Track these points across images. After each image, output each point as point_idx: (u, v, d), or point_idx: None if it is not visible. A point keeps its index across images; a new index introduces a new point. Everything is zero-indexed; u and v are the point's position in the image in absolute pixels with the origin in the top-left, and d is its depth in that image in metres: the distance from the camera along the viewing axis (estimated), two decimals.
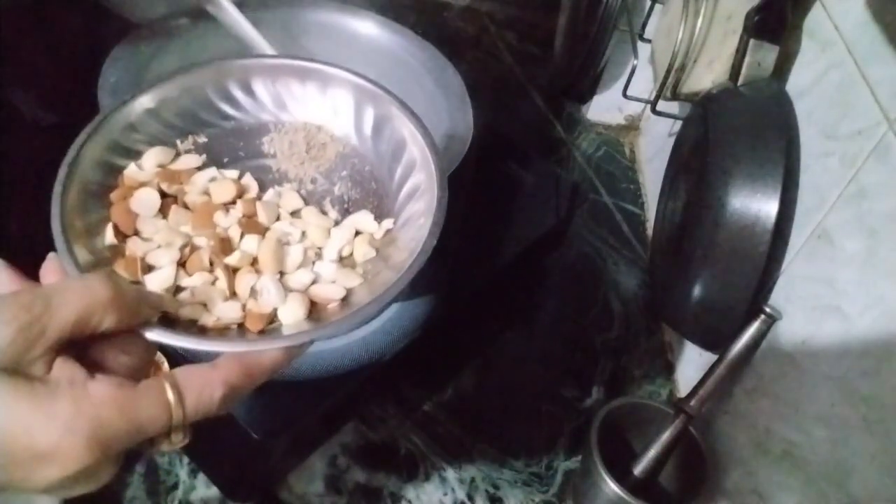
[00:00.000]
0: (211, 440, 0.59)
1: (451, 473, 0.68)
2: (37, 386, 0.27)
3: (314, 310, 0.36)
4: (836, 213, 0.55)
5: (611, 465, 0.60)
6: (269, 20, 0.65)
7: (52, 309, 0.27)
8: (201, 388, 0.30)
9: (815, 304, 0.55)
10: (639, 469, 0.63)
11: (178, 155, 0.42)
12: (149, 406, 0.29)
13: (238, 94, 0.44)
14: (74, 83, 0.60)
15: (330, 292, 0.37)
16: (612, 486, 0.59)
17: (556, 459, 0.71)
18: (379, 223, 0.41)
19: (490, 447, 0.70)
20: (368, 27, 0.68)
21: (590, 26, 0.88)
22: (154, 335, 0.31)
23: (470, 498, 0.66)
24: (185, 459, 0.63)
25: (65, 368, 0.28)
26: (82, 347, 0.29)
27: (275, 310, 0.35)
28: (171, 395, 0.29)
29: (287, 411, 0.55)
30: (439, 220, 0.38)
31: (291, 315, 0.35)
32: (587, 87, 1.06)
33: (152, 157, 0.40)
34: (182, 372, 0.30)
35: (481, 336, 0.80)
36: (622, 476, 0.61)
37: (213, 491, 0.62)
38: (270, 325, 0.35)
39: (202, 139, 0.43)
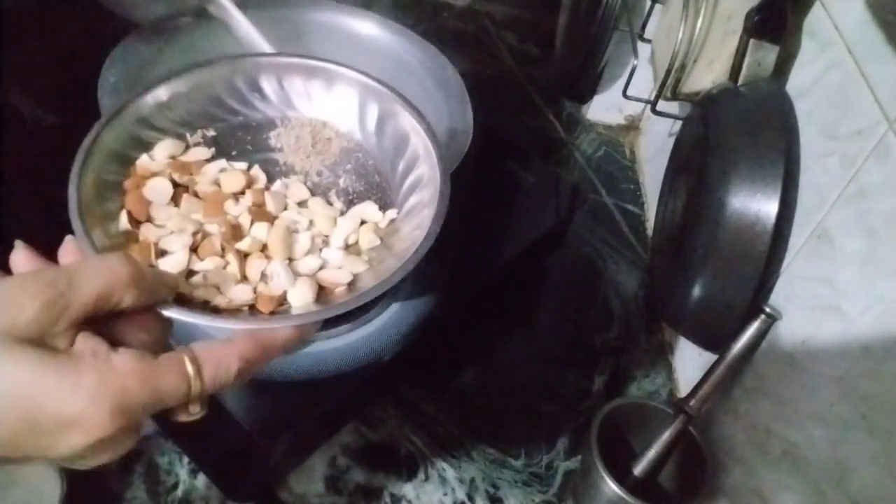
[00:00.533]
0: (211, 441, 0.60)
1: (451, 473, 0.68)
2: (62, 357, 0.28)
3: (322, 294, 0.37)
4: (836, 213, 0.55)
5: (611, 465, 0.60)
6: (270, 20, 0.65)
7: (76, 285, 0.28)
8: (218, 362, 0.31)
9: (815, 303, 0.55)
10: (639, 469, 0.63)
11: (187, 147, 0.43)
12: (169, 377, 0.30)
13: (246, 90, 0.45)
14: (74, 83, 0.60)
15: (337, 276, 0.38)
16: (612, 486, 0.59)
17: (556, 459, 0.71)
18: (383, 213, 0.42)
19: (490, 447, 0.70)
20: (368, 27, 0.68)
21: (590, 26, 0.88)
22: (171, 312, 0.32)
23: (470, 498, 0.67)
24: (185, 459, 0.63)
25: (87, 342, 0.29)
26: (102, 324, 0.30)
27: (284, 293, 0.36)
28: (190, 368, 0.30)
29: (287, 411, 0.55)
30: (441, 212, 0.39)
31: (300, 298, 0.36)
32: (587, 87, 1.06)
33: (163, 149, 0.41)
34: (200, 346, 0.31)
35: (481, 336, 0.80)
36: (622, 476, 0.61)
37: (213, 491, 0.62)
38: (280, 307, 0.36)
39: (211, 133, 0.44)
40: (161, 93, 0.42)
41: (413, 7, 1.15)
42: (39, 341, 0.28)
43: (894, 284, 0.47)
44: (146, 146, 0.41)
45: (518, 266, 0.75)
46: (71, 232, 0.34)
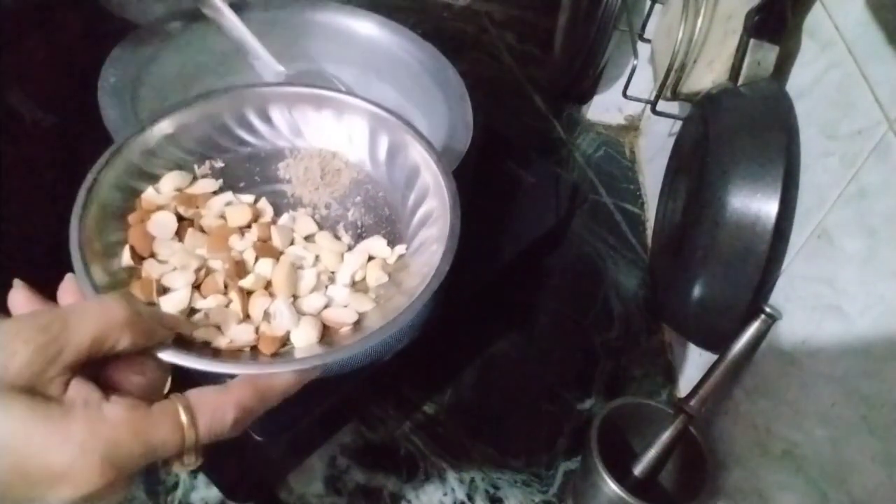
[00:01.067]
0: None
1: (451, 473, 0.68)
2: (53, 406, 0.27)
3: (326, 333, 0.36)
4: (836, 213, 0.55)
5: (611, 465, 0.60)
6: (269, 20, 0.65)
7: (70, 330, 0.28)
8: (214, 411, 0.30)
9: (815, 303, 0.55)
10: (639, 469, 0.63)
11: (195, 179, 0.42)
12: (162, 428, 0.29)
13: (255, 120, 0.45)
14: (74, 83, 0.60)
15: (342, 316, 0.37)
16: (612, 486, 0.59)
17: (556, 459, 0.71)
18: (392, 249, 0.41)
19: (490, 447, 0.70)
20: (368, 27, 0.68)
21: (590, 26, 0.88)
22: (168, 356, 0.31)
23: (470, 498, 0.66)
24: None
25: (80, 390, 0.28)
26: (97, 367, 0.29)
27: (287, 333, 0.36)
28: (184, 418, 0.29)
29: (287, 411, 0.55)
30: (452, 247, 0.38)
31: (304, 338, 0.35)
32: (587, 87, 1.06)
33: (170, 181, 0.40)
34: (195, 394, 0.30)
35: (481, 336, 0.80)
36: (622, 476, 0.60)
37: (213, 491, 0.62)
38: (283, 347, 0.35)
39: (219, 164, 0.43)
40: (169, 124, 0.41)
41: (413, 7, 1.15)
42: (31, 388, 0.27)
43: (894, 284, 0.47)
44: (153, 178, 0.40)
45: (518, 266, 0.75)
46: (68, 236, 0.34)
